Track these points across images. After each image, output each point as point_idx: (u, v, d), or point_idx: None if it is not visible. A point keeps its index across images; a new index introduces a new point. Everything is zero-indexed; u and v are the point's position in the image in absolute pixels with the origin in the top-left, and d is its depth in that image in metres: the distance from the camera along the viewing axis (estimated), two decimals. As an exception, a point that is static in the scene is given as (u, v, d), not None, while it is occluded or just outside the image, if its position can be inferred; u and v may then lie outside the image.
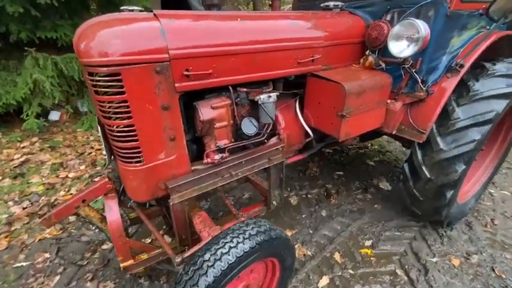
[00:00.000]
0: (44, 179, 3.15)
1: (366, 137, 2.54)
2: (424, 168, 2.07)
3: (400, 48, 1.80)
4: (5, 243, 2.36)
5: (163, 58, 1.32)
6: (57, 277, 2.10)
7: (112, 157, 1.64)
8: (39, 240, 2.37)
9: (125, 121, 1.34)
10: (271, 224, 1.58)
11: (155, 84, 1.35)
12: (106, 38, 1.21)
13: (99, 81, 1.25)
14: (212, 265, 1.31)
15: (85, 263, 2.18)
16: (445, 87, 1.94)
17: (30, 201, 2.81)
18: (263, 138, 1.83)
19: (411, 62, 1.85)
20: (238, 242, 1.38)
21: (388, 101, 2.01)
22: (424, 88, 1.93)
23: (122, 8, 1.42)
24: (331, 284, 2.09)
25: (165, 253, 1.84)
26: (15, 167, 3.34)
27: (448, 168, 1.95)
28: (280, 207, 2.78)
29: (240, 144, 1.76)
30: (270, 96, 1.68)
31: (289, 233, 2.49)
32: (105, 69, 1.22)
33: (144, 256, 1.82)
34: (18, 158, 3.50)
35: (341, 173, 3.41)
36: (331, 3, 2.16)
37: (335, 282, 2.10)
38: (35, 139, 3.84)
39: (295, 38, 1.73)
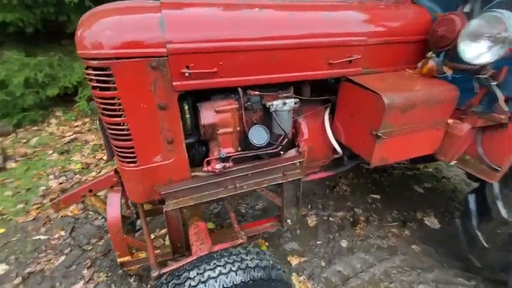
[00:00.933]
0: (83, 158, 3.39)
1: (418, 160, 2.05)
2: (500, 205, 1.55)
3: (477, 52, 1.31)
4: (34, 214, 2.56)
5: (160, 53, 1.17)
6: (62, 257, 2.18)
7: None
8: (62, 216, 2.50)
9: (117, 119, 1.25)
10: (276, 259, 1.34)
11: (151, 81, 1.22)
12: (99, 29, 1.11)
13: (91, 75, 1.16)
14: (195, 286, 1.14)
15: (89, 248, 2.23)
16: None
17: (66, 177, 3.04)
18: (276, 150, 1.57)
19: (491, 71, 1.34)
20: (231, 270, 1.19)
21: (450, 120, 1.52)
22: (507, 109, 1.39)
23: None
24: None
25: (165, 254, 1.77)
26: (64, 143, 3.66)
27: None
28: (294, 225, 2.47)
29: (248, 155, 1.54)
30: (285, 104, 1.41)
31: (296, 260, 2.17)
32: (95, 62, 1.12)
33: (142, 254, 1.77)
34: (69, 136, 3.82)
35: (377, 196, 2.88)
36: None
37: None
38: (86, 119, 4.20)
39: (328, 33, 1.41)
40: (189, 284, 1.16)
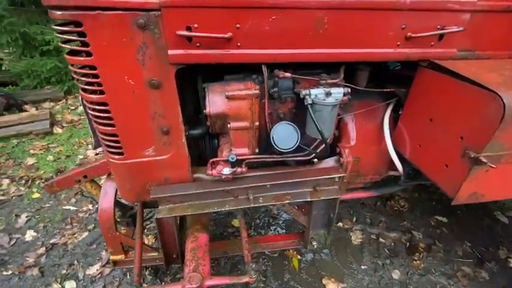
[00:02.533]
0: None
1: None
2: None
3: None
4: (67, 183, 2.60)
5: (150, 3, 0.80)
6: (85, 234, 2.12)
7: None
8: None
9: (93, 96, 0.93)
10: None
11: (137, 47, 0.86)
12: None
13: (59, 32, 0.84)
14: None
15: (111, 229, 2.15)
16: None
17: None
18: (309, 157, 1.13)
19: None
20: None
21: None
22: None
23: None
24: None
25: (161, 258, 1.50)
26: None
27: None
28: (334, 240, 2.03)
29: (269, 160, 1.13)
30: (329, 94, 0.94)
31: (332, 285, 1.75)
32: (59, 13, 0.79)
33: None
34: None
35: (444, 219, 2.24)
36: None
37: None
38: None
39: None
40: None
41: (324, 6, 0.87)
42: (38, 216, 2.26)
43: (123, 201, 1.69)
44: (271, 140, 1.02)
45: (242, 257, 1.81)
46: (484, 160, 0.79)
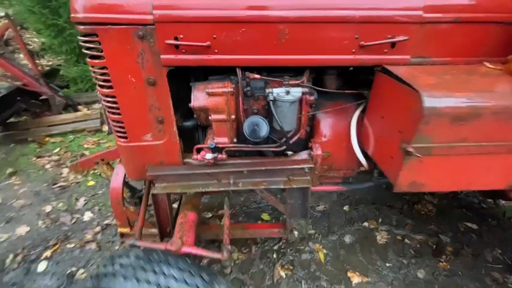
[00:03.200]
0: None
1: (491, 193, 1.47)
2: None
3: None
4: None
5: (146, 20, 1.05)
6: None
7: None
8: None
9: (106, 90, 1.20)
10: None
11: (137, 53, 1.11)
12: None
13: (82, 41, 1.13)
14: (133, 273, 1.01)
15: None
16: None
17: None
18: (279, 149, 1.31)
19: None
20: (175, 279, 1.02)
21: None
22: None
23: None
24: None
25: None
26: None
27: None
28: (359, 238, 2.15)
29: (245, 149, 1.33)
30: (287, 93, 1.12)
31: (357, 279, 1.86)
32: (82, 27, 1.07)
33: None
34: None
35: (474, 226, 2.23)
36: None
37: None
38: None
39: (357, 5, 1.04)
40: (131, 268, 1.02)
41: (285, 20, 1.06)
42: (93, 200, 2.61)
43: (132, 183, 1.98)
44: (244, 131, 1.21)
45: (272, 246, 2.08)
46: (411, 150, 0.91)
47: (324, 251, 2.06)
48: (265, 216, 2.35)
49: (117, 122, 1.28)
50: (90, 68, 1.20)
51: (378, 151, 1.18)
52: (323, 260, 2.00)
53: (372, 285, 1.83)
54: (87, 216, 2.42)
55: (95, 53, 1.12)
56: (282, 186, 1.39)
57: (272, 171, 1.39)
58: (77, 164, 1.80)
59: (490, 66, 1.08)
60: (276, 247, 2.09)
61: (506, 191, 1.12)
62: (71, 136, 3.65)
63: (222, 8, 1.04)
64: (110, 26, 1.05)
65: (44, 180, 2.87)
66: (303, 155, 1.40)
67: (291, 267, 1.95)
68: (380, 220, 2.30)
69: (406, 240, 2.13)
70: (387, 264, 1.95)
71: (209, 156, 1.30)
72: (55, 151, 3.36)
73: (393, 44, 1.10)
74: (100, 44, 1.09)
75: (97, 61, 1.14)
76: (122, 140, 1.33)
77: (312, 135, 1.43)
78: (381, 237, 2.16)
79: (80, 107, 4.09)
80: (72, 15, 1.08)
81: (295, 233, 1.69)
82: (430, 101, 0.86)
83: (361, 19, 1.05)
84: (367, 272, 1.90)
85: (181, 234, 1.37)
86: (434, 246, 2.04)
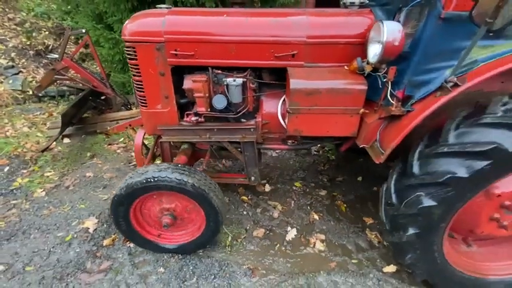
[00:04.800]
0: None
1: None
2: (415, 162, 1.69)
3: (373, 53, 1.62)
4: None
5: (160, 40, 2.00)
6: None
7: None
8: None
9: (137, 77, 2.16)
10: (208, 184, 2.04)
11: (155, 57, 2.06)
12: (130, 25, 2.01)
13: (127, 51, 2.09)
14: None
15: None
16: (424, 107, 1.55)
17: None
18: (234, 115, 2.22)
19: (385, 69, 1.62)
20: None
21: (361, 110, 1.82)
22: (399, 103, 1.63)
23: (156, 5, 2.18)
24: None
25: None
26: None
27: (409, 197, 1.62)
28: (371, 198, 2.96)
29: (215, 115, 2.24)
30: (234, 80, 2.04)
31: (371, 221, 2.71)
32: (128, 43, 2.04)
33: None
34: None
35: None
36: (356, 0, 2.08)
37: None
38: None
39: (271, 34, 1.94)
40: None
41: (233, 42, 1.98)
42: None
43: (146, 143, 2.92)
44: (212, 102, 2.13)
45: (306, 202, 2.97)
46: (290, 111, 1.80)
47: (344, 205, 2.92)
48: (297, 184, 3.20)
49: (142, 97, 2.23)
50: (130, 66, 2.17)
51: (283, 114, 2.07)
52: (344, 210, 2.86)
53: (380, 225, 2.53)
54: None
55: (132, 57, 2.08)
56: (238, 140, 2.29)
57: (233, 130, 2.29)
58: (113, 128, 2.79)
59: (346, 68, 1.95)
60: (308, 202, 2.96)
61: (353, 139, 1.95)
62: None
63: (201, 34, 1.98)
64: (141, 43, 2.02)
65: (120, 161, 3.68)
66: (251, 121, 2.30)
67: (321, 215, 2.80)
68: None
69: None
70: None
71: (194, 118, 2.23)
72: (120, 140, 4.15)
73: (293, 55, 2.00)
74: (136, 53, 2.05)
75: (134, 61, 2.10)
76: (144, 108, 2.28)
77: (257, 110, 2.33)
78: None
79: (132, 106, 4.86)
80: (122, 37, 2.05)
81: (252, 178, 2.57)
82: (294, 83, 1.75)
83: (274, 42, 1.96)
84: (377, 217, 2.60)
85: (165, 157, 2.31)
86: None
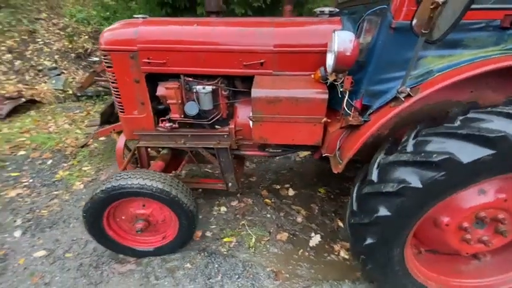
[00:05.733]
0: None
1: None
2: (374, 169, 1.67)
3: (328, 63, 1.62)
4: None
5: (134, 49, 2.07)
6: None
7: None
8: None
9: (114, 84, 2.24)
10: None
11: (130, 65, 2.14)
12: (107, 34, 2.10)
13: (104, 59, 2.18)
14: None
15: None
16: (379, 117, 1.53)
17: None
18: (207, 122, 2.26)
19: (341, 79, 1.62)
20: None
21: (324, 119, 1.81)
22: (357, 113, 1.61)
23: (134, 15, 2.26)
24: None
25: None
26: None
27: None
28: None
29: (188, 121, 2.29)
30: (204, 88, 2.08)
31: None
32: (104, 52, 2.13)
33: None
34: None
35: None
36: (326, 9, 2.09)
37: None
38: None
39: (239, 43, 1.98)
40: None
41: (203, 50, 2.02)
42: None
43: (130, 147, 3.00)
44: (184, 109, 2.18)
45: (329, 208, 2.95)
46: (252, 119, 1.82)
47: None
48: (321, 190, 3.23)
49: (119, 103, 2.31)
50: (107, 74, 2.25)
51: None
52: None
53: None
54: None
55: (109, 65, 2.17)
56: (212, 146, 2.32)
57: (207, 136, 2.33)
58: (97, 133, 2.89)
59: (312, 76, 1.95)
60: (333, 209, 2.96)
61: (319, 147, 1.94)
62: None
63: (171, 43, 2.03)
64: (116, 52, 2.10)
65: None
66: (225, 128, 2.33)
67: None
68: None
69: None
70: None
71: (168, 125, 2.28)
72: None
73: (261, 64, 2.02)
74: (111, 61, 2.13)
75: (110, 69, 2.18)
76: (122, 113, 2.36)
77: (232, 116, 2.36)
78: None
79: None
80: (99, 45, 2.14)
81: (229, 184, 2.59)
82: (254, 92, 1.77)
83: (241, 50, 1.99)
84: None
85: (141, 164, 2.37)
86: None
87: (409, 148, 1.51)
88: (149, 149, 2.62)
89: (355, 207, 1.69)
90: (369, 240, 1.63)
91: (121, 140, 2.72)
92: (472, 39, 1.43)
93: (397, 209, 1.50)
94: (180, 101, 2.22)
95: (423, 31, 1.17)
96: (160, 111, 2.40)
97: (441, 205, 1.51)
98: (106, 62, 2.17)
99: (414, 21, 1.22)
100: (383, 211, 1.52)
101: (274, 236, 2.62)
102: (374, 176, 1.59)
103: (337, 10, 2.07)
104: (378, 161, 1.63)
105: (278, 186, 3.31)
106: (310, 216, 2.87)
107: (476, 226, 1.68)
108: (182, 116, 2.28)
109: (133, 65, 2.13)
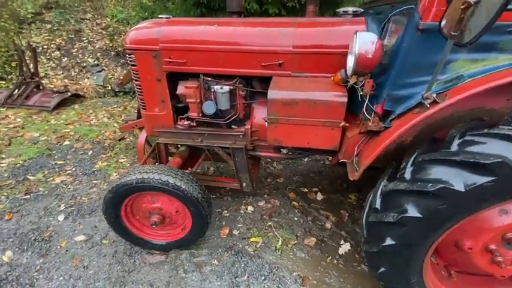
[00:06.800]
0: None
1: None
2: (378, 196, 1.61)
3: (348, 65, 1.55)
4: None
5: (156, 48, 2.14)
6: None
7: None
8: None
9: (137, 82, 2.33)
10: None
11: (153, 64, 2.21)
12: (131, 34, 2.18)
13: (128, 58, 2.27)
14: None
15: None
16: (400, 124, 1.43)
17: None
18: (224, 121, 2.27)
19: (362, 83, 1.54)
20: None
21: (342, 123, 1.74)
22: (377, 118, 1.53)
23: (158, 15, 2.33)
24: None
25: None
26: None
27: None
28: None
29: (205, 120, 2.32)
30: (222, 88, 2.09)
31: None
32: (129, 51, 2.21)
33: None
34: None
35: None
36: (350, 9, 2.02)
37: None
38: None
39: (258, 43, 1.96)
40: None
41: (222, 51, 2.04)
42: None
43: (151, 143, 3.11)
44: (202, 108, 2.21)
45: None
46: (268, 121, 1.79)
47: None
48: (352, 196, 3.11)
49: (142, 100, 2.40)
50: (132, 72, 2.34)
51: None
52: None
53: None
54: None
55: (133, 63, 2.25)
56: (228, 146, 2.34)
57: (223, 136, 2.35)
58: (121, 128, 3.03)
59: (332, 78, 1.89)
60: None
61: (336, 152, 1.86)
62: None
63: (192, 43, 2.07)
64: (140, 51, 2.17)
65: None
66: (241, 128, 2.33)
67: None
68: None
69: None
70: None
71: (186, 123, 2.33)
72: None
73: (280, 64, 1.99)
74: (135, 59, 2.21)
75: (134, 67, 2.27)
76: (144, 110, 2.45)
77: (248, 117, 2.35)
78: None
79: None
80: (124, 44, 2.23)
81: (244, 184, 2.60)
82: (270, 94, 1.75)
83: (260, 51, 1.98)
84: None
85: (160, 160, 2.43)
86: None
87: (407, 175, 1.43)
88: (168, 146, 2.69)
89: (378, 205, 1.59)
90: (388, 241, 1.53)
91: (142, 136, 2.82)
92: (508, 43, 1.30)
93: (402, 238, 1.43)
94: (198, 100, 2.25)
95: (452, 33, 1.08)
96: (180, 110, 2.45)
97: (457, 229, 1.41)
98: (130, 61, 2.26)
99: (443, 23, 1.13)
100: (412, 212, 1.39)
101: (302, 240, 2.56)
102: (378, 204, 1.53)
103: (362, 10, 1.98)
104: (380, 187, 1.56)
105: (306, 190, 3.24)
106: (340, 223, 2.78)
107: (507, 247, 1.54)
108: (200, 114, 2.31)
109: (155, 64, 2.19)
